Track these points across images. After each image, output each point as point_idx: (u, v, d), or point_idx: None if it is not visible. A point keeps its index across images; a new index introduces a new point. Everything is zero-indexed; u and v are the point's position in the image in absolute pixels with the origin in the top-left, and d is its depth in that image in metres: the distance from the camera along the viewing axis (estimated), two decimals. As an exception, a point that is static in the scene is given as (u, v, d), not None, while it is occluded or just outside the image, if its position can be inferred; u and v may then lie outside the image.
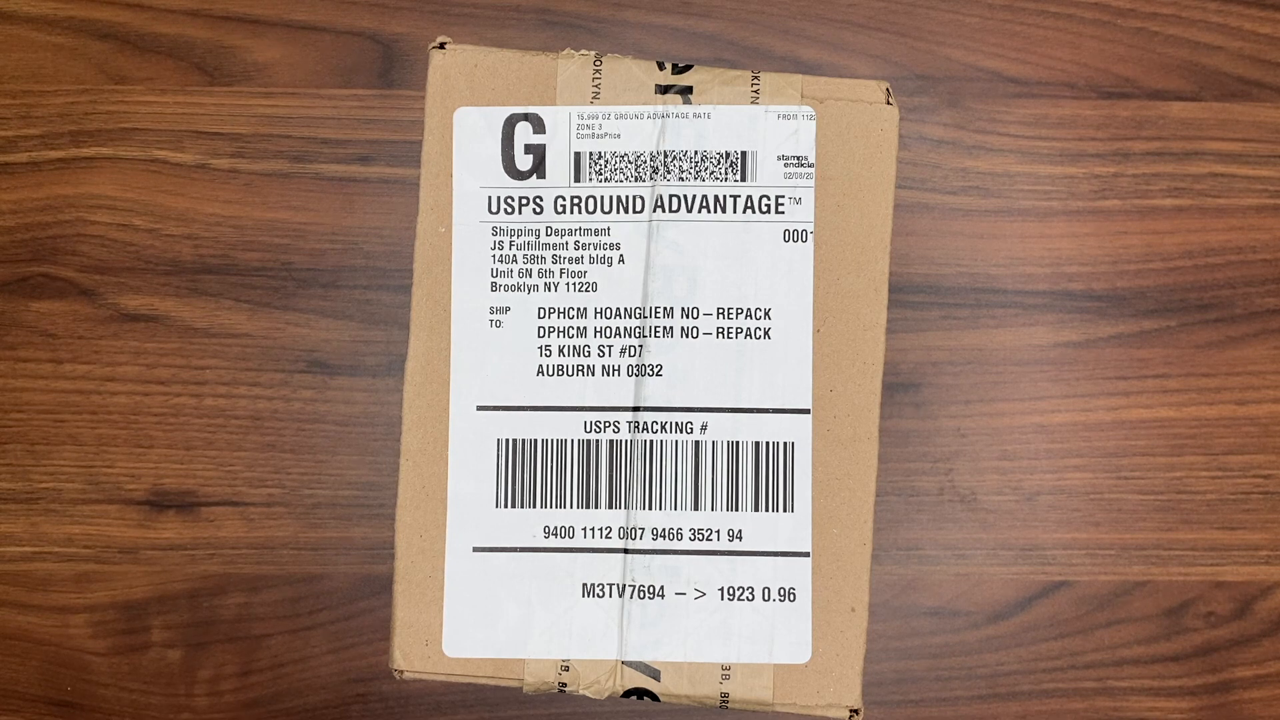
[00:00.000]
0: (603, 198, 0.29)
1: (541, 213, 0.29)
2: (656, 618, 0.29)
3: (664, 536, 0.29)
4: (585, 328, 0.29)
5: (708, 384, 0.29)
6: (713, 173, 0.29)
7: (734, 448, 0.29)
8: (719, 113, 0.29)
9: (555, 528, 0.29)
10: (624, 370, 0.29)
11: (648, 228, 0.29)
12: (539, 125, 0.29)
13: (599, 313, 0.29)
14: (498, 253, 0.29)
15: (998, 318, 0.37)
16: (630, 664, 0.29)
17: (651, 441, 0.29)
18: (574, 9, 0.37)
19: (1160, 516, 0.37)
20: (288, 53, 0.37)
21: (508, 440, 0.29)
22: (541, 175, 0.29)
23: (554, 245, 0.29)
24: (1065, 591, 0.37)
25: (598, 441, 0.29)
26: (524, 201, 0.29)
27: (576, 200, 0.29)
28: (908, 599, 0.37)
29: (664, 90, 0.29)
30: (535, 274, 0.29)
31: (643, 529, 0.29)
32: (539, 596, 0.29)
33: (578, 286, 0.29)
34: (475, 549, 0.29)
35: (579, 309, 0.29)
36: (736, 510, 0.29)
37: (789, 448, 0.29)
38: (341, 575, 0.37)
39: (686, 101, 0.29)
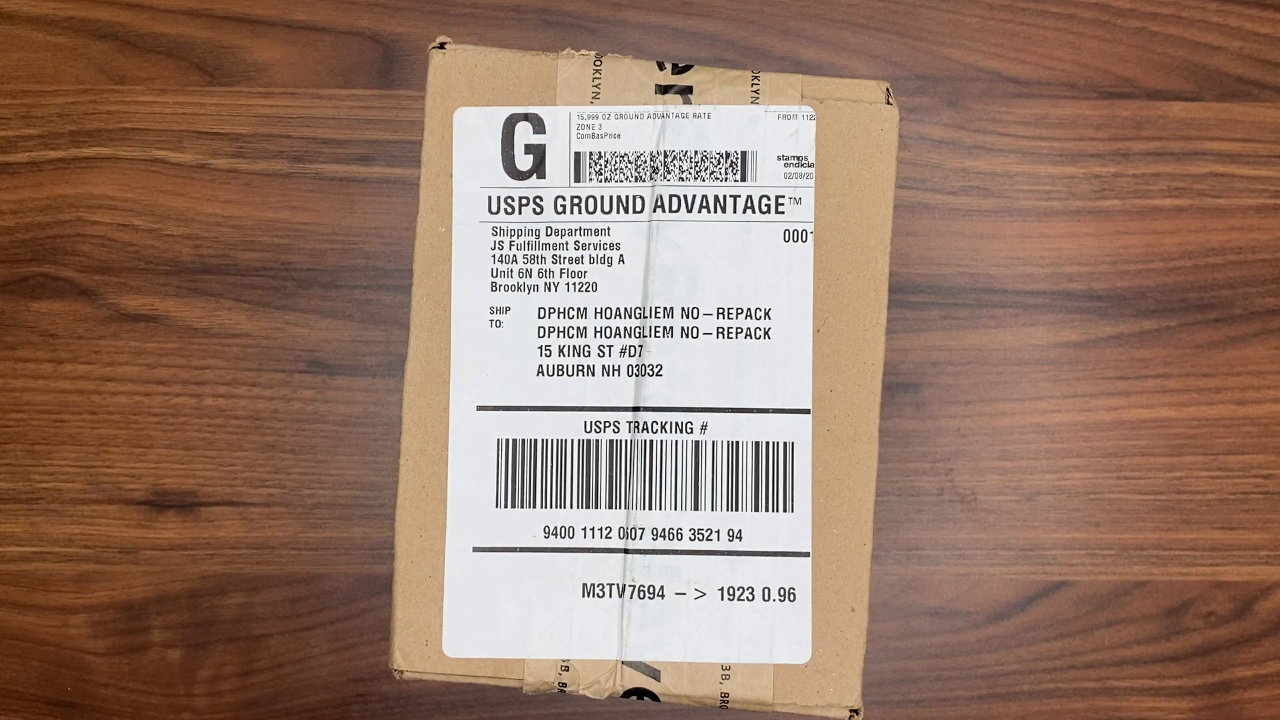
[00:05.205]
0: (603, 198, 0.29)
1: (541, 213, 0.29)
2: (656, 618, 0.29)
3: (664, 536, 0.29)
4: (585, 328, 0.29)
5: (708, 384, 0.29)
6: (713, 173, 0.29)
7: (734, 448, 0.29)
8: (719, 113, 0.29)
9: (555, 528, 0.29)
10: (624, 370, 0.29)
11: (648, 228, 0.29)
12: (539, 125, 0.29)
13: (599, 313, 0.29)
14: (498, 253, 0.29)
15: (998, 318, 0.37)
16: (630, 664, 0.29)
17: (651, 441, 0.29)
18: (574, 9, 0.37)
19: (1160, 516, 0.37)
20: (288, 53, 0.37)
21: (508, 440, 0.29)
22: (541, 175, 0.29)
23: (554, 245, 0.29)
24: (1065, 591, 0.37)
25: (598, 441, 0.29)
26: (524, 201, 0.29)
27: (576, 200, 0.29)
28: (908, 599, 0.37)
29: (664, 90, 0.29)
30: (535, 274, 0.29)
31: (643, 529, 0.29)
32: (539, 596, 0.29)
33: (578, 286, 0.29)
34: (475, 549, 0.29)
35: (579, 309, 0.29)
36: (736, 510, 0.29)
37: (789, 448, 0.29)
38: (341, 575, 0.37)
39: (686, 101, 0.29)
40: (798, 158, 0.29)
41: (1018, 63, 0.37)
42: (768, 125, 0.29)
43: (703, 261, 0.29)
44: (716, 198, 0.29)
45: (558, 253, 0.29)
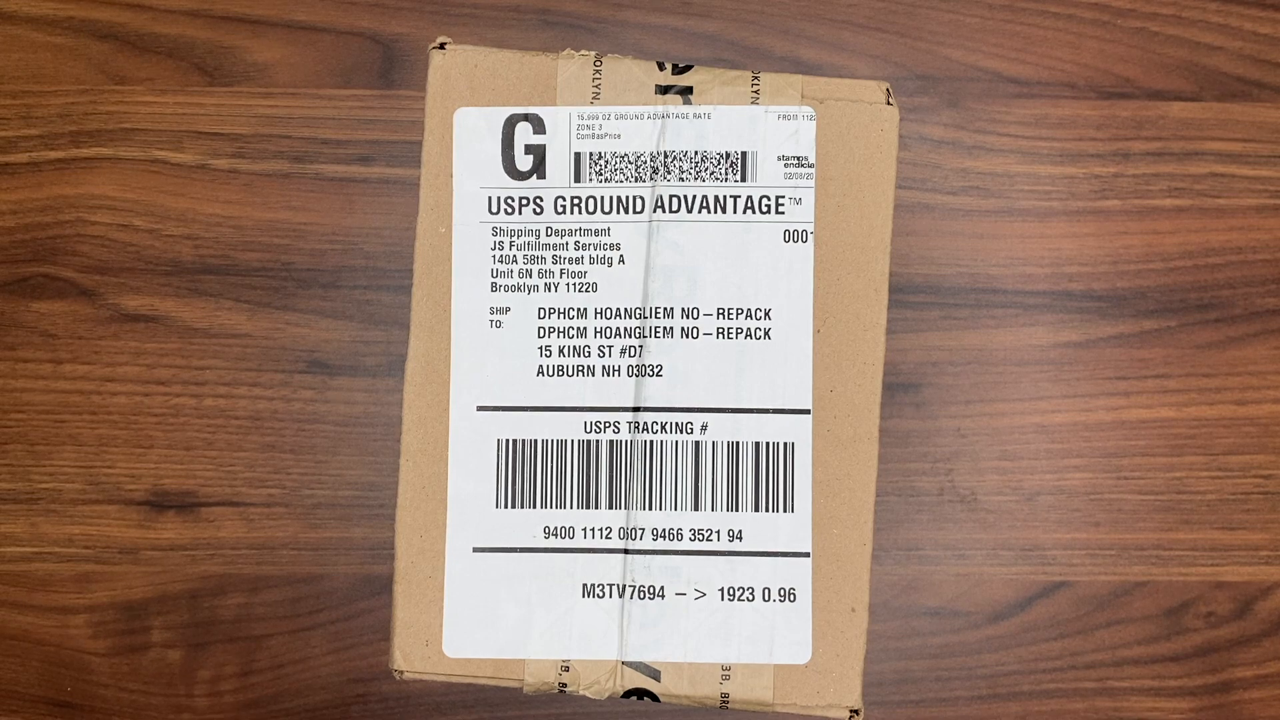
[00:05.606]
0: (603, 198, 0.29)
1: (541, 213, 0.29)
2: (656, 618, 0.29)
3: (664, 537, 0.29)
4: (585, 328, 0.29)
5: (708, 384, 0.29)
6: (713, 173, 0.29)
7: (734, 448, 0.29)
8: (719, 113, 0.29)
9: (555, 528, 0.29)
10: (624, 370, 0.29)
11: (648, 228, 0.29)
12: (539, 125, 0.29)
13: (599, 313, 0.29)
14: (498, 253, 0.29)
15: (998, 318, 0.37)
16: (630, 664, 0.29)
17: (651, 442, 0.29)
18: (574, 9, 0.37)
19: (1160, 516, 0.37)
20: (288, 53, 0.37)
21: (508, 440, 0.29)
22: (542, 175, 0.29)
23: (554, 245, 0.29)
24: (1065, 591, 0.37)
25: (598, 442, 0.29)
26: (524, 202, 0.29)
27: (577, 200, 0.29)
28: (908, 599, 0.37)
29: (664, 90, 0.29)
30: (535, 274, 0.29)
31: (643, 529, 0.29)
32: (539, 597, 0.29)
33: (578, 287, 0.29)
34: (475, 549, 0.29)
35: (579, 309, 0.29)
36: (736, 510, 0.29)
37: (789, 448, 0.29)
38: (341, 575, 0.37)
39: (687, 102, 0.29)
40: (798, 158, 0.29)
41: (1018, 63, 0.37)
42: (768, 125, 0.29)
43: (703, 261, 0.29)
44: (716, 198, 0.29)
45: (558, 253, 0.29)
